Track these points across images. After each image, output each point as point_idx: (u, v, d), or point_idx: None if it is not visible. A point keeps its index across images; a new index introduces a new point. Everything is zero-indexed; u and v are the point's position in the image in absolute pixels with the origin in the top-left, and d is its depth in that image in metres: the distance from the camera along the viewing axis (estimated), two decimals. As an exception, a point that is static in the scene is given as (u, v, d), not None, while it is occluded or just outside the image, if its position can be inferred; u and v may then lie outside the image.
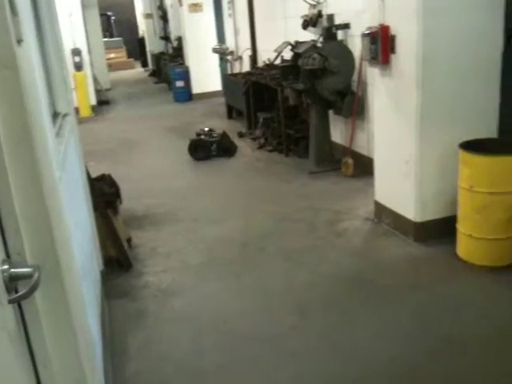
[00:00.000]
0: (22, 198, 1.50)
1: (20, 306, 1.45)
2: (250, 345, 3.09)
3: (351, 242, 4.28)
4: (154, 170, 6.99)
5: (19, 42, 1.61)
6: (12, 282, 1.35)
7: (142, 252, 4.43)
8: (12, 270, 1.36)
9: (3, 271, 1.34)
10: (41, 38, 3.17)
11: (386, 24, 4.04)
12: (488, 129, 3.98)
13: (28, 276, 1.37)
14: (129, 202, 5.19)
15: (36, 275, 1.36)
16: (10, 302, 1.35)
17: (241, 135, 8.18)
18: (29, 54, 1.88)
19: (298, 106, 6.66)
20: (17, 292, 1.37)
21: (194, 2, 11.95)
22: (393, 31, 4.00)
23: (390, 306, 3.35)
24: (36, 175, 1.57)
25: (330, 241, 4.34)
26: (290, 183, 5.88)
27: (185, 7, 12.03)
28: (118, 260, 4.09)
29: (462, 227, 3.75)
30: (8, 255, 1.43)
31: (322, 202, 5.15)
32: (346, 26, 5.98)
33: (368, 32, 4.18)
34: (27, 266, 1.42)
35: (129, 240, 4.48)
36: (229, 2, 10.93)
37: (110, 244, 4.03)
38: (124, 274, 4.05)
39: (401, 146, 4.13)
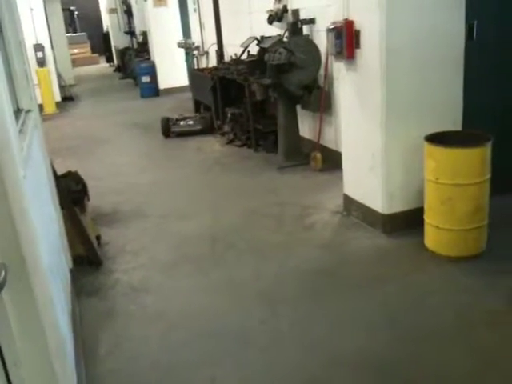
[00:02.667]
0: (-15, 197, 1.47)
1: (-14, 306, 1.42)
2: (220, 340, 3.09)
3: (320, 236, 4.32)
4: (121, 166, 6.92)
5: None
6: (-23, 282, 1.33)
7: (111, 249, 4.38)
8: (-24, 269, 1.33)
9: (-33, 271, 1.31)
10: (0, 33, 3.09)
11: (351, 19, 4.08)
12: (453, 121, 4.06)
13: (-6, 275, 1.34)
14: (96, 199, 5.12)
15: (2, 274, 1.34)
16: (-24, 302, 1.33)
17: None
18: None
19: (265, 100, 6.66)
20: (-18, 292, 1.34)
21: (159, -4, 11.84)
22: (357, 26, 4.04)
23: (357, 298, 3.40)
24: (-1, 173, 1.54)
25: (299, 235, 4.37)
26: (259, 178, 5.89)
27: (149, 2, 11.90)
28: (87, 258, 4.03)
29: (428, 218, 3.82)
30: (-28, 255, 1.40)
31: (291, 197, 5.18)
32: (311, 21, 6.00)
33: (333, 27, 4.20)
34: (-8, 266, 1.40)
35: (98, 237, 4.42)
36: (194, -3, 10.86)
37: (79, 242, 3.97)
38: (94, 271, 4.01)
39: (367, 139, 4.18)
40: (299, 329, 3.14)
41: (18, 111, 3.06)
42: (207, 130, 8.20)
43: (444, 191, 3.64)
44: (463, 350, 2.84)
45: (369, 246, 4.06)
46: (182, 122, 8.29)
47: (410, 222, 4.09)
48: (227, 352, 2.98)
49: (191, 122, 8.29)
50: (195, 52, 11.11)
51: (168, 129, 8.19)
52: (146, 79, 12.20)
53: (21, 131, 2.61)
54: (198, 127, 8.22)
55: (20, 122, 2.79)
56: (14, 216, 1.58)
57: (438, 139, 3.68)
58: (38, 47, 11.09)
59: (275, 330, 3.15)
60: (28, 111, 3.22)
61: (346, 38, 4.10)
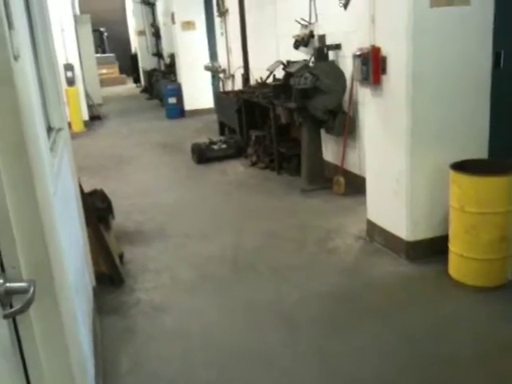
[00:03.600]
0: (17, 212, 1.50)
1: (14, 321, 1.44)
2: (240, 362, 3.08)
3: (342, 260, 4.29)
4: (145, 185, 6.99)
5: (16, 57, 1.62)
6: (7, 296, 1.34)
7: (133, 268, 4.41)
8: (7, 284, 1.35)
9: (-2, 285, 1.33)
10: (35, 53, 3.18)
11: (377, 45, 4.11)
12: (478, 149, 4.03)
13: (23, 291, 1.36)
14: (120, 218, 5.18)
15: (31, 290, 1.36)
16: (5, 316, 1.34)
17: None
18: (25, 69, 1.89)
19: (289, 124, 6.70)
20: (11, 306, 1.36)
21: (187, 20, 12.06)
22: (384, 52, 4.07)
23: (379, 325, 3.36)
24: (31, 190, 1.57)
25: (321, 258, 4.35)
26: (282, 201, 5.90)
27: (178, 25, 12.13)
28: (110, 276, 4.06)
29: (453, 247, 3.77)
30: (3, 269, 1.42)
31: (314, 220, 5.17)
32: (337, 47, 6.06)
33: (359, 53, 4.23)
34: (22, 281, 1.42)
35: (121, 256, 4.46)
36: (221, 21, 11.04)
37: (102, 260, 4.01)
38: (116, 290, 4.03)
39: (391, 165, 4.17)
40: (319, 353, 3.11)
41: (49, 129, 3.13)
42: (239, 153, 8.08)
43: (469, 219, 3.61)
44: (482, 379, 2.79)
45: (391, 272, 4.02)
46: (215, 146, 8.11)
47: (433, 249, 4.04)
48: (247, 374, 2.97)
49: (224, 146, 8.12)
50: (221, 75, 11.26)
51: (202, 154, 7.93)
52: (172, 100, 12.36)
53: (52, 149, 2.67)
54: (232, 151, 8.06)
55: (51, 140, 2.85)
56: (45, 232, 1.61)
57: (463, 167, 3.66)
58: (68, 67, 11.35)
59: (295, 352, 3.12)
60: (59, 130, 3.30)
61: (373, 64, 4.12)
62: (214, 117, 10.47)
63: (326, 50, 6.08)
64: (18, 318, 1.43)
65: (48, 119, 3.26)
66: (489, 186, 3.55)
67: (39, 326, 1.59)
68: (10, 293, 1.35)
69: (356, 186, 5.66)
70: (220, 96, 10.12)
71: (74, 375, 1.79)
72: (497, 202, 3.55)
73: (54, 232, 1.80)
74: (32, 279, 1.42)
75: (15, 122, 1.50)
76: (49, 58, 3.41)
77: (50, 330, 1.65)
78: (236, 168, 7.49)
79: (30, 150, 1.56)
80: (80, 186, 3.86)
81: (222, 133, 9.86)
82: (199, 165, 7.87)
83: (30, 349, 1.51)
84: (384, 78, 4.11)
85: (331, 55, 6.14)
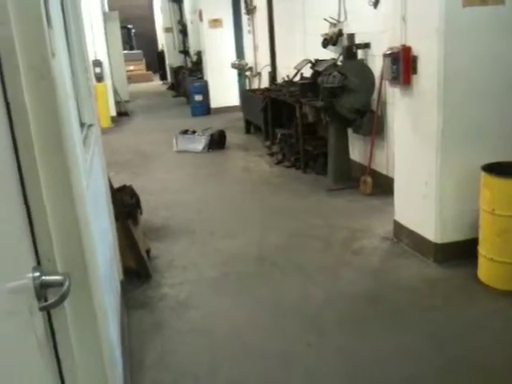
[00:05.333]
0: (53, 206, 1.52)
1: (49, 313, 1.46)
2: (265, 360, 3.08)
3: (368, 261, 4.26)
4: (171, 182, 7.04)
5: (53, 54, 1.64)
6: (42, 289, 1.36)
7: (159, 263, 4.45)
8: (43, 277, 1.36)
9: (34, 278, 1.34)
10: (68, 50, 3.23)
11: (408, 45, 4.06)
12: (509, 151, 3.95)
13: (58, 284, 1.37)
14: (146, 214, 5.21)
15: (67, 283, 1.37)
16: (41, 309, 1.36)
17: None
18: (61, 65, 1.92)
19: (316, 122, 6.67)
20: (46, 299, 1.38)
21: (214, 18, 12.08)
22: (414, 52, 4.02)
23: (405, 327, 3.33)
24: (67, 183, 1.59)
25: (347, 259, 4.33)
26: (307, 199, 5.88)
27: (205, 22, 12.16)
28: (136, 271, 4.10)
29: (483, 250, 3.72)
30: (39, 262, 1.44)
31: (340, 220, 5.14)
32: (366, 46, 6.01)
33: (390, 52, 4.19)
34: (58, 274, 1.44)
35: (148, 251, 4.50)
36: (248, 19, 11.05)
37: (130, 255, 4.05)
38: (143, 284, 4.07)
39: (421, 166, 4.12)
40: (344, 354, 3.10)
41: (81, 125, 3.17)
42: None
43: (500, 223, 3.55)
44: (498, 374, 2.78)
45: (419, 274, 3.98)
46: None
47: (462, 252, 3.99)
48: (271, 372, 2.97)
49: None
50: (248, 73, 11.27)
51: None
52: (198, 98, 12.40)
53: (84, 144, 2.70)
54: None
55: (83, 135, 2.89)
56: (80, 225, 1.63)
57: (494, 169, 3.60)
58: (97, 63, 11.46)
59: (320, 353, 3.11)
60: (90, 125, 3.34)
61: (403, 63, 4.07)
62: (240, 115, 10.48)
63: (354, 48, 6.04)
64: (52, 311, 1.44)
65: (80, 115, 3.31)
66: (521, 189, 3.49)
67: (73, 319, 1.60)
68: (46, 286, 1.36)
69: (383, 186, 5.61)
70: (246, 94, 10.13)
71: (105, 368, 1.81)
72: (528, 206, 3.48)
73: (87, 226, 1.82)
74: (67, 272, 1.44)
75: (54, 118, 1.52)
76: (81, 54, 3.45)
77: (84, 323, 1.67)
78: (261, 166, 7.49)
79: (67, 145, 1.58)
80: (109, 182, 3.91)
81: (247, 131, 9.88)
82: (220, 159, 8.00)
83: (64, 342, 1.52)
84: (414, 77, 4.07)
85: (360, 54, 6.10)
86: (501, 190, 3.52)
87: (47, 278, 1.38)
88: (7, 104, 1.30)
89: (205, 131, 8.87)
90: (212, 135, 8.76)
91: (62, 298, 1.36)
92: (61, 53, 2.08)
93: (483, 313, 3.43)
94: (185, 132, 9.03)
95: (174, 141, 8.89)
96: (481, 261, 3.75)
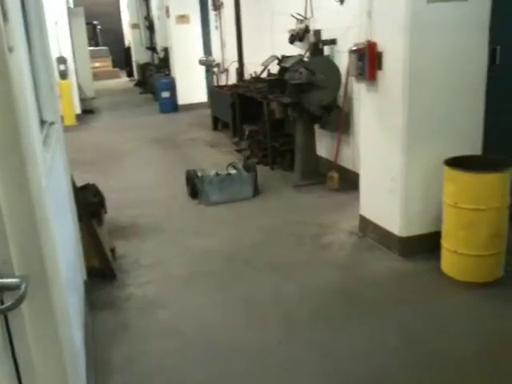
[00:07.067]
0: (10, 206, 1.48)
1: (6, 317, 1.42)
2: (237, 359, 3.06)
3: (337, 256, 4.29)
4: (138, 180, 6.95)
5: (10, 49, 1.59)
6: (-1, 292, 1.32)
7: (125, 263, 4.38)
8: (-1, 280, 1.33)
9: (-11, 282, 1.31)
10: (29, 46, 3.15)
11: (374, 40, 4.09)
12: (473, 146, 4.03)
13: (15, 287, 1.34)
14: (112, 212, 5.15)
15: (23, 286, 1.33)
16: (-3, 313, 1.32)
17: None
18: (19, 61, 1.86)
19: (284, 119, 6.68)
20: (2, 302, 1.34)
21: (182, 14, 11.99)
22: (380, 48, 4.05)
23: (375, 321, 3.36)
24: (24, 184, 1.55)
25: (316, 254, 4.35)
26: (275, 196, 5.88)
27: (172, 18, 12.05)
28: (101, 271, 4.04)
29: (446, 243, 3.78)
30: (-6, 265, 1.40)
31: (308, 215, 5.16)
32: (332, 42, 6.04)
33: (355, 48, 4.21)
34: (14, 277, 1.40)
35: (113, 250, 4.43)
36: (216, 15, 10.99)
37: (94, 254, 3.98)
38: (108, 285, 4.01)
39: (386, 161, 4.16)
40: (317, 350, 3.10)
41: (42, 123, 3.09)
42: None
43: (463, 216, 3.61)
44: (483, 379, 2.79)
45: (386, 268, 4.02)
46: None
47: (427, 245, 4.04)
48: (243, 371, 2.95)
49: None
50: (215, 69, 11.22)
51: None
52: (165, 94, 12.30)
53: (44, 143, 2.63)
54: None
55: (44, 133, 2.82)
56: (38, 226, 1.58)
57: (457, 163, 3.66)
58: (61, 60, 11.27)
59: (293, 350, 3.10)
60: (51, 123, 3.26)
61: (369, 59, 4.10)
62: (208, 111, 10.43)
63: (321, 44, 6.06)
64: (9, 314, 1.40)
65: (41, 112, 3.23)
66: (483, 182, 3.55)
67: (31, 323, 1.56)
68: (2, 289, 1.33)
69: (350, 181, 5.66)
70: (214, 90, 10.09)
71: (67, 373, 1.77)
72: (490, 199, 3.55)
73: (46, 227, 1.77)
74: (24, 275, 1.40)
75: (9, 116, 1.48)
76: (43, 50, 3.37)
77: (43, 326, 1.63)
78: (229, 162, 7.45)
79: (24, 143, 1.54)
80: (72, 181, 3.83)
81: (215, 127, 9.84)
82: (189, 156, 7.91)
83: (22, 346, 1.48)
84: (380, 73, 4.10)
85: (326, 50, 6.12)
86: (463, 184, 3.58)
87: (3, 280, 1.35)
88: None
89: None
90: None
91: (19, 301, 1.33)
92: (19, 48, 2.02)
93: (449, 305, 3.48)
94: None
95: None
96: (444, 253, 3.81)
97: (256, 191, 5.92)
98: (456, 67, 3.91)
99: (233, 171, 6.01)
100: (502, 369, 2.86)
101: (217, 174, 5.91)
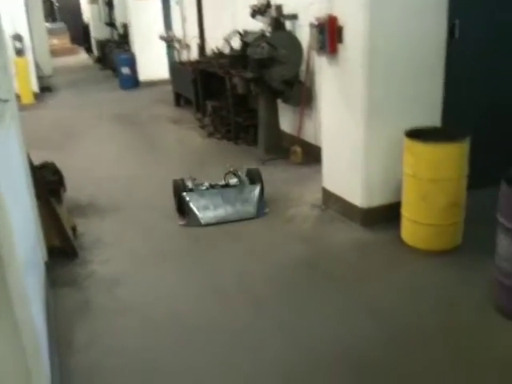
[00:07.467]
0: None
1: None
2: (199, 336, 3.06)
3: (300, 229, 4.33)
4: (99, 158, 6.83)
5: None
6: None
7: (87, 241, 4.32)
8: None
9: None
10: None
11: (334, 15, 4.07)
12: (432, 118, 4.09)
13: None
14: (72, 191, 5.06)
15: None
16: None
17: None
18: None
19: (246, 94, 6.64)
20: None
21: (141, -12, 11.70)
22: (341, 22, 4.04)
23: (340, 294, 3.40)
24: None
25: (279, 227, 4.38)
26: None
27: (131, -7, 11.76)
28: (62, 249, 3.97)
29: (406, 213, 3.85)
30: None
31: (271, 189, 5.16)
32: (294, 17, 6.00)
33: (316, 22, 4.20)
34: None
35: (73, 229, 4.36)
36: (176, -11, 10.77)
37: (54, 233, 3.91)
38: (69, 263, 3.95)
39: (348, 134, 4.19)
40: (282, 327, 3.10)
41: (-6, 100, 2.99)
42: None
43: (421, 186, 3.67)
44: (450, 345, 2.86)
45: (348, 239, 4.08)
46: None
47: (388, 215, 4.11)
48: (207, 349, 2.95)
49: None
50: (176, 45, 11.02)
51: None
52: (125, 71, 12.06)
53: (-4, 120, 2.55)
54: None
55: (-4, 110, 2.73)
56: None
57: (417, 135, 3.71)
58: (17, 37, 10.89)
59: (262, 332, 3.07)
60: (5, 101, 3.15)
61: (329, 33, 4.10)
62: (170, 87, 10.28)
63: (282, 19, 6.01)
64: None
65: (-8, 89, 3.12)
66: (441, 153, 3.62)
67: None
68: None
69: (313, 155, 5.68)
70: (175, 66, 9.94)
71: (26, 352, 1.75)
72: (449, 169, 3.62)
73: (0, 208, 1.73)
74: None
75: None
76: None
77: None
78: (194, 139, 7.40)
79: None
80: (29, 159, 3.73)
81: (177, 103, 9.72)
82: (151, 133, 7.86)
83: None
84: (340, 47, 4.10)
85: (288, 25, 6.08)
86: (422, 155, 3.64)
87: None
88: None
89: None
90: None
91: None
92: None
93: (411, 273, 3.56)
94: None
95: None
96: (404, 223, 3.89)
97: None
98: (415, 41, 3.94)
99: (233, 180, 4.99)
100: (455, 331, 2.95)
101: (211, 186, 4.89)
